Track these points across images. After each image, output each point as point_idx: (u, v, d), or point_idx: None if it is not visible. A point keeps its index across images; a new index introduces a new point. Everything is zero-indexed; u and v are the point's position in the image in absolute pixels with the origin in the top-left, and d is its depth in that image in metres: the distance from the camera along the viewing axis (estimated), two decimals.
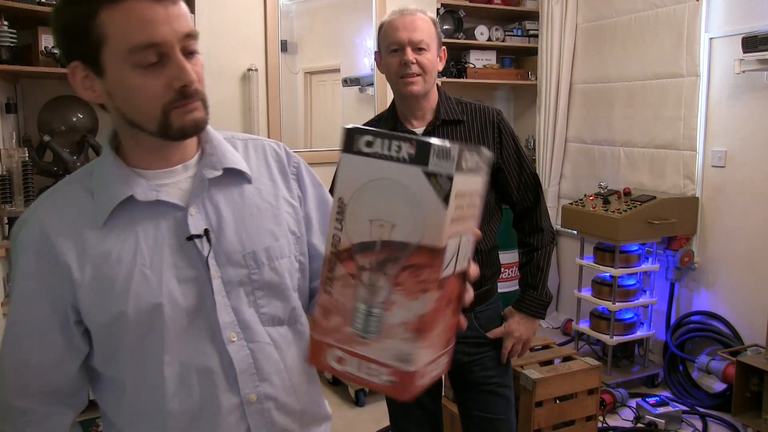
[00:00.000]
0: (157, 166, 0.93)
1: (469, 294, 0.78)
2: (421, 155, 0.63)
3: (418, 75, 1.61)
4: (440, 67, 1.68)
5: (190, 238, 0.91)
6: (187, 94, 0.85)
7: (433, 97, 1.68)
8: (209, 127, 0.97)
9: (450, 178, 0.62)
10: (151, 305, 0.87)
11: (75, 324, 0.90)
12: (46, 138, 2.95)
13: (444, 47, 1.71)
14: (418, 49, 1.60)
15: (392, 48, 1.62)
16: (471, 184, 0.67)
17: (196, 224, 0.92)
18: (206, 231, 0.92)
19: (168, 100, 0.84)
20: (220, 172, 0.95)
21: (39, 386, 0.91)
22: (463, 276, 0.74)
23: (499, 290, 1.84)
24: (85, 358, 0.93)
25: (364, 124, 1.78)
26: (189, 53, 0.86)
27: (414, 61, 1.59)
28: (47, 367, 0.90)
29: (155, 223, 0.90)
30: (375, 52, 1.71)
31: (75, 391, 0.95)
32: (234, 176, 0.97)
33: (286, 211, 1.01)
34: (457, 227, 0.67)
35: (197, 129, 0.89)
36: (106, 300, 0.87)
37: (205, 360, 0.91)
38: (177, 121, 0.86)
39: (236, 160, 0.98)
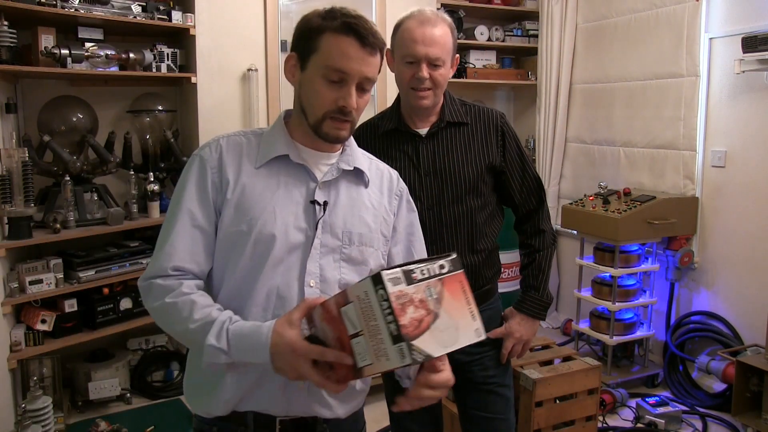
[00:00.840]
0: (310, 146, 1.23)
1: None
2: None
3: (429, 89, 1.60)
4: (450, 74, 1.66)
5: (313, 202, 1.19)
6: (344, 113, 1.15)
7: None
8: (351, 138, 1.28)
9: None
10: (268, 233, 1.15)
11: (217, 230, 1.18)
12: (46, 138, 2.95)
13: (457, 55, 1.68)
14: (434, 65, 1.58)
15: (407, 60, 1.59)
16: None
17: (320, 195, 1.20)
18: (325, 202, 1.20)
19: (329, 109, 1.15)
20: (351, 168, 1.25)
21: (192, 268, 1.16)
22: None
23: (500, 290, 1.84)
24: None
25: (365, 122, 1.78)
26: (362, 89, 1.17)
27: (428, 76, 1.58)
28: (203, 255, 1.17)
29: (295, 181, 1.20)
30: (387, 50, 1.65)
31: (206, 267, 1.19)
32: (358, 176, 1.27)
33: (383, 217, 1.28)
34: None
35: (337, 141, 1.21)
36: (241, 218, 1.16)
37: (286, 291, 1.15)
38: (327, 127, 1.17)
39: (364, 165, 1.29)
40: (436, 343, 0.83)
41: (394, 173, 1.36)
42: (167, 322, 1.14)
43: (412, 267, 0.88)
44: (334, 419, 1.23)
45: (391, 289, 0.85)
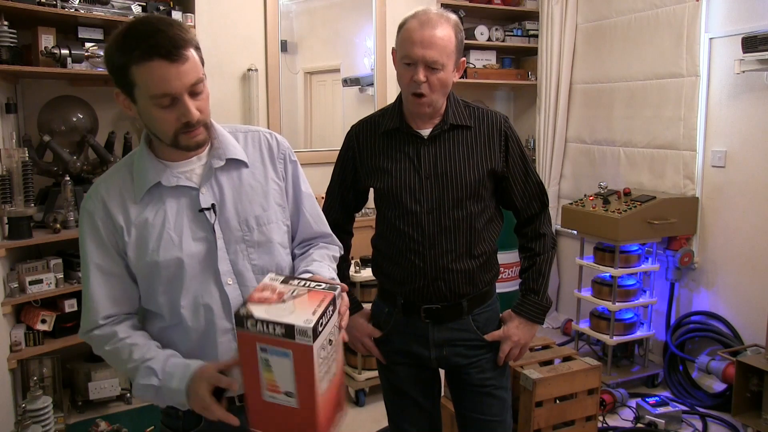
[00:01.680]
0: (178, 159, 1.27)
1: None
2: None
3: (426, 96, 1.56)
4: (456, 77, 1.62)
5: (201, 210, 1.25)
6: (190, 125, 1.18)
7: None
8: (216, 125, 1.30)
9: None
10: (175, 258, 1.22)
11: (129, 269, 1.26)
12: (46, 138, 2.95)
13: (463, 58, 1.63)
14: (432, 68, 1.54)
15: (405, 61, 1.56)
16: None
17: (205, 200, 1.26)
18: (213, 205, 1.26)
19: (177, 127, 1.18)
20: (223, 162, 1.29)
21: (120, 312, 1.26)
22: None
23: (498, 290, 1.83)
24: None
25: (366, 118, 1.77)
26: (195, 94, 1.17)
27: (424, 80, 1.54)
28: (123, 299, 1.26)
29: (177, 199, 1.25)
30: (393, 49, 1.65)
31: (130, 306, 1.29)
32: (235, 163, 1.31)
33: (273, 189, 1.35)
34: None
35: (199, 146, 1.24)
36: (144, 253, 1.23)
37: (208, 297, 1.25)
38: (184, 141, 1.20)
39: (237, 151, 1.31)
40: (263, 312, 1.02)
41: (271, 135, 1.39)
42: (112, 364, 1.28)
43: (297, 277, 1.13)
44: None
45: (262, 281, 1.13)
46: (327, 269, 1.33)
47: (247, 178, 1.31)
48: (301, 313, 1.00)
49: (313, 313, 1.00)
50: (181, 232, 1.24)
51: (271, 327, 0.99)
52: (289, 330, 0.98)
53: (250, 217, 1.29)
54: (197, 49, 1.18)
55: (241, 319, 1.02)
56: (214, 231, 1.25)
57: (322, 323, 1.01)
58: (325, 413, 1.06)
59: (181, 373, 1.18)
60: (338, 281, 1.23)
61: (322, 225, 1.46)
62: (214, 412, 1.14)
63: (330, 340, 1.06)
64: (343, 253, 1.51)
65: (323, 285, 1.09)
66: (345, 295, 1.16)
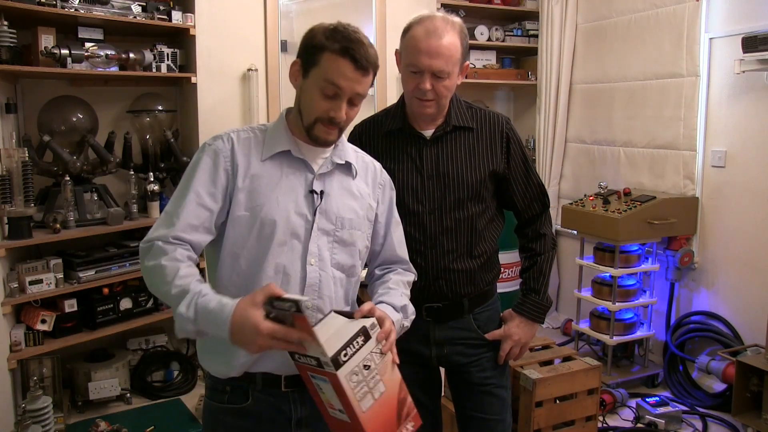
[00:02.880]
0: (307, 142, 1.38)
1: None
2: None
3: (432, 100, 1.58)
4: (460, 81, 1.62)
5: (312, 192, 1.37)
6: (333, 122, 1.33)
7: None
8: (343, 136, 1.44)
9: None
10: (271, 219, 1.32)
11: (220, 212, 1.33)
12: (46, 138, 2.95)
13: (467, 62, 1.64)
14: (438, 77, 1.54)
15: (411, 69, 1.57)
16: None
17: (317, 185, 1.38)
18: (321, 191, 1.38)
19: (320, 116, 1.32)
20: (342, 162, 1.42)
21: (191, 239, 1.29)
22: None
23: (499, 290, 1.84)
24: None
25: (368, 118, 1.77)
26: (352, 103, 1.34)
27: (430, 88, 1.55)
28: (202, 230, 1.31)
29: (295, 174, 1.37)
30: (396, 51, 1.65)
31: (209, 238, 1.34)
32: (347, 168, 1.44)
33: (368, 205, 1.46)
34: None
35: (327, 143, 1.38)
36: (249, 203, 1.32)
37: (291, 268, 1.33)
38: (318, 131, 1.34)
39: (352, 159, 1.46)
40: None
41: (378, 165, 1.53)
42: (155, 282, 1.25)
43: (273, 301, 1.16)
44: None
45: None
46: (399, 297, 1.44)
47: (353, 185, 1.44)
48: (309, 342, 1.12)
49: (317, 342, 1.11)
50: (287, 202, 1.33)
51: (308, 359, 1.16)
52: (318, 361, 1.15)
53: (345, 217, 1.39)
54: (375, 74, 1.36)
55: (292, 354, 1.19)
56: (315, 214, 1.35)
57: (347, 353, 1.15)
58: (375, 427, 1.19)
59: (216, 320, 1.16)
60: (399, 305, 1.41)
61: (404, 252, 1.56)
62: (281, 330, 1.12)
63: (366, 365, 1.20)
64: (416, 279, 1.59)
65: (290, 301, 1.13)
66: (387, 322, 1.28)
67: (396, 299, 1.42)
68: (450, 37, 1.54)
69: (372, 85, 1.36)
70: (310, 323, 1.11)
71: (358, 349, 1.18)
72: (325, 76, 1.29)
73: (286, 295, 1.13)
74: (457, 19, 1.59)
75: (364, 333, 1.20)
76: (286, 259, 1.33)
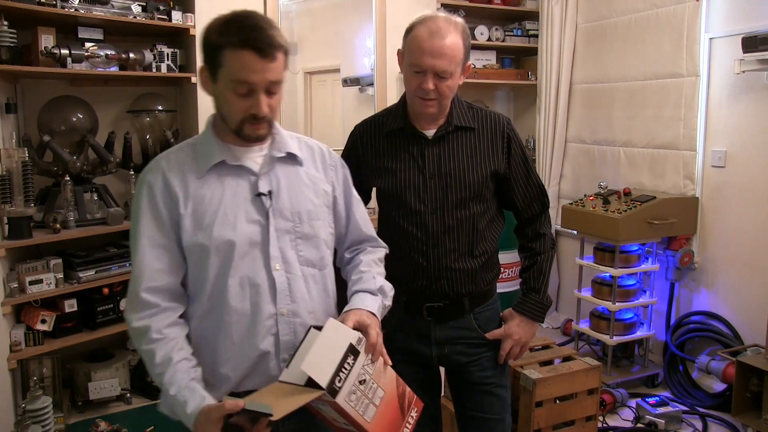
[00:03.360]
0: (241, 144, 1.33)
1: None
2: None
3: (434, 99, 1.58)
4: (462, 81, 1.63)
5: (259, 195, 1.31)
6: (257, 118, 1.26)
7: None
8: (277, 124, 1.36)
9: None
10: (224, 235, 1.26)
11: (179, 243, 1.28)
12: (46, 138, 2.95)
13: (469, 62, 1.65)
14: (440, 77, 1.55)
15: (414, 69, 1.57)
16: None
17: (263, 186, 1.32)
18: (269, 192, 1.32)
19: (245, 116, 1.26)
20: (283, 154, 1.36)
21: (162, 285, 1.26)
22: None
23: (499, 290, 1.84)
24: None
25: (369, 118, 1.77)
26: (270, 93, 1.26)
27: (433, 88, 1.56)
28: (169, 271, 1.27)
29: (236, 180, 1.31)
30: (398, 51, 1.65)
31: (182, 292, 1.31)
32: (291, 159, 1.38)
33: (323, 190, 1.41)
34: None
35: (259, 139, 1.32)
36: (198, 226, 1.27)
37: (257, 279, 1.29)
38: (248, 130, 1.28)
39: (294, 148, 1.39)
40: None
41: (324, 147, 1.48)
42: (145, 359, 1.27)
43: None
44: None
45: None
46: (373, 279, 1.41)
47: (302, 174, 1.38)
48: (321, 377, 1.13)
49: (329, 373, 1.14)
50: (236, 212, 1.28)
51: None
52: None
53: (302, 210, 1.35)
54: (286, 54, 1.26)
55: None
56: (268, 216, 1.30)
57: (340, 378, 1.15)
58: (381, 427, 1.22)
59: (184, 413, 1.19)
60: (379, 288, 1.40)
61: (370, 228, 1.53)
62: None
63: (362, 380, 1.20)
64: (388, 251, 1.57)
65: (339, 333, 1.17)
66: (372, 331, 1.26)
67: (370, 283, 1.39)
68: (453, 37, 1.54)
69: (286, 67, 1.27)
70: (291, 381, 1.15)
71: (350, 370, 1.17)
72: (232, 76, 1.22)
73: (247, 406, 1.09)
74: (459, 20, 1.60)
75: (352, 351, 1.19)
76: (249, 270, 1.28)
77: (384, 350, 1.28)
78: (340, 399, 1.14)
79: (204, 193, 1.28)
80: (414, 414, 1.32)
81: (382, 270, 1.48)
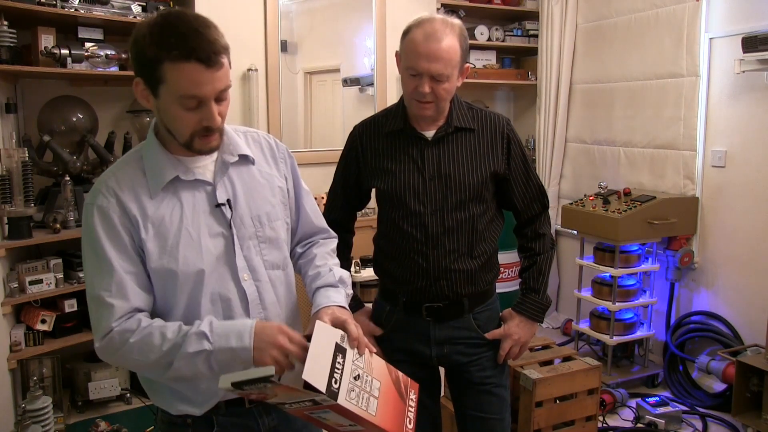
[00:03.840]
0: (190, 155, 1.24)
1: None
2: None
3: (431, 102, 1.58)
4: (460, 83, 1.62)
5: (218, 205, 1.25)
6: (209, 130, 1.18)
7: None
8: (224, 127, 1.27)
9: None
10: (189, 255, 1.20)
11: (145, 268, 1.21)
12: (46, 138, 2.95)
13: (468, 64, 1.63)
14: (437, 80, 1.54)
15: (410, 72, 1.56)
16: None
17: (221, 196, 1.25)
18: (228, 201, 1.26)
19: (195, 130, 1.17)
20: (236, 158, 1.29)
21: (143, 306, 1.19)
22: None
23: (498, 290, 1.84)
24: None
25: (369, 118, 1.77)
26: (220, 99, 1.18)
27: (429, 91, 1.55)
28: (146, 296, 1.20)
29: (192, 194, 1.24)
30: (396, 53, 1.64)
31: (150, 303, 1.23)
32: (243, 160, 1.30)
33: (277, 186, 1.36)
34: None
35: (211, 151, 1.24)
36: (163, 251, 1.19)
37: (227, 292, 1.25)
38: (198, 144, 1.20)
39: (245, 148, 1.31)
40: (281, 399, 1.14)
41: (272, 138, 1.41)
42: (140, 358, 1.15)
43: (242, 385, 1.09)
44: None
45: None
46: (330, 273, 1.37)
47: (255, 174, 1.32)
48: (297, 394, 1.09)
49: (324, 377, 1.10)
50: (198, 228, 1.22)
51: (302, 404, 1.13)
52: (313, 401, 1.11)
53: (262, 214, 1.30)
54: (229, 54, 1.17)
55: (278, 405, 1.16)
56: (231, 227, 1.25)
57: (336, 380, 1.12)
58: (387, 417, 1.20)
59: (238, 330, 1.14)
60: (340, 274, 1.37)
61: (321, 220, 1.49)
62: (296, 341, 1.13)
63: (356, 375, 1.18)
64: (338, 241, 1.54)
65: (261, 381, 1.08)
66: (350, 325, 1.22)
67: (329, 277, 1.35)
68: (449, 40, 1.53)
69: (231, 66, 1.17)
70: (290, 385, 1.09)
71: (342, 369, 1.16)
72: (179, 91, 1.12)
73: (250, 376, 1.07)
74: (456, 21, 1.59)
75: (340, 350, 1.18)
76: (218, 285, 1.23)
77: (366, 340, 1.24)
78: (341, 399, 1.12)
79: (162, 213, 1.20)
80: (413, 396, 1.31)
81: (336, 261, 1.44)
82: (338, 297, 1.31)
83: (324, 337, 1.18)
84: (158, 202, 1.21)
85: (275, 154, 1.39)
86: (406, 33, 1.58)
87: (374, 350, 1.27)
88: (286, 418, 1.33)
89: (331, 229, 1.52)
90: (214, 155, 1.27)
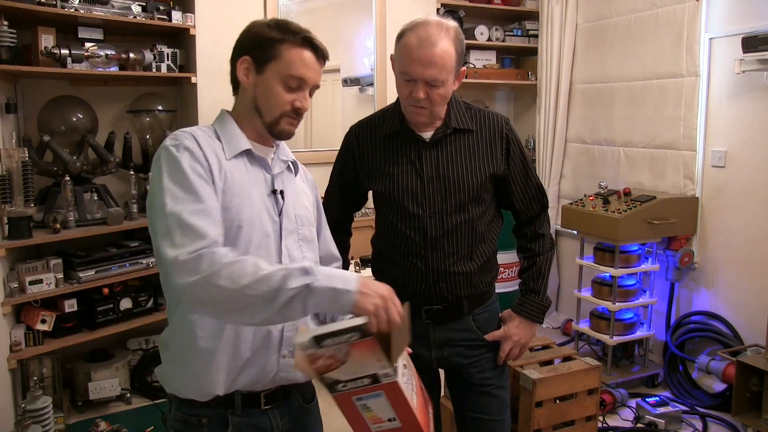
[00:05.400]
0: (258, 142, 1.35)
1: None
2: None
3: (425, 108, 1.56)
4: (456, 86, 1.60)
5: (274, 191, 1.33)
6: (298, 113, 1.31)
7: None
8: None
9: None
10: (248, 219, 1.26)
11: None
12: (46, 138, 2.95)
13: (464, 67, 1.62)
14: (431, 85, 1.52)
15: (404, 77, 1.55)
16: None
17: (278, 184, 1.35)
18: (281, 191, 1.34)
19: (286, 110, 1.29)
20: (290, 160, 1.41)
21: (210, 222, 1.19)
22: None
23: (498, 290, 1.84)
24: None
25: (365, 119, 1.77)
26: (310, 95, 1.33)
27: (424, 96, 1.53)
28: (221, 224, 1.22)
29: (257, 172, 1.32)
30: (391, 56, 1.62)
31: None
32: (290, 167, 1.41)
33: (311, 201, 1.47)
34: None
35: (288, 137, 1.34)
36: (227, 202, 1.24)
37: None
38: (282, 124, 1.30)
39: (292, 156, 1.44)
40: (343, 374, 1.11)
41: (302, 165, 1.50)
42: (227, 284, 1.09)
43: (324, 339, 1.08)
44: (304, 383, 1.39)
45: (297, 352, 1.11)
46: None
47: (298, 183, 1.43)
48: (368, 361, 1.09)
49: (379, 361, 1.09)
50: (258, 201, 1.29)
51: (359, 381, 1.12)
52: (373, 378, 1.11)
53: (302, 215, 1.38)
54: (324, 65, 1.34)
55: (331, 386, 1.14)
56: (281, 214, 1.33)
57: (395, 358, 1.12)
58: (422, 416, 1.22)
59: (343, 275, 1.12)
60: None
61: (335, 249, 1.56)
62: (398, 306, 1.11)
63: (404, 364, 1.19)
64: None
65: (350, 331, 1.07)
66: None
67: None
68: (443, 44, 1.51)
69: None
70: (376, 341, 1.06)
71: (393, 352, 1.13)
72: (288, 70, 1.27)
73: (336, 327, 1.04)
74: (452, 24, 1.56)
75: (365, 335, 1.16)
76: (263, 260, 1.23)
77: None
78: (400, 379, 1.12)
79: (233, 172, 1.26)
80: (430, 409, 1.32)
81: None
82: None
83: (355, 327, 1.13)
84: (230, 164, 1.27)
85: (308, 179, 1.49)
86: (400, 37, 1.56)
87: (410, 350, 1.29)
88: (299, 421, 1.33)
89: (340, 256, 1.57)
90: (272, 153, 1.37)
